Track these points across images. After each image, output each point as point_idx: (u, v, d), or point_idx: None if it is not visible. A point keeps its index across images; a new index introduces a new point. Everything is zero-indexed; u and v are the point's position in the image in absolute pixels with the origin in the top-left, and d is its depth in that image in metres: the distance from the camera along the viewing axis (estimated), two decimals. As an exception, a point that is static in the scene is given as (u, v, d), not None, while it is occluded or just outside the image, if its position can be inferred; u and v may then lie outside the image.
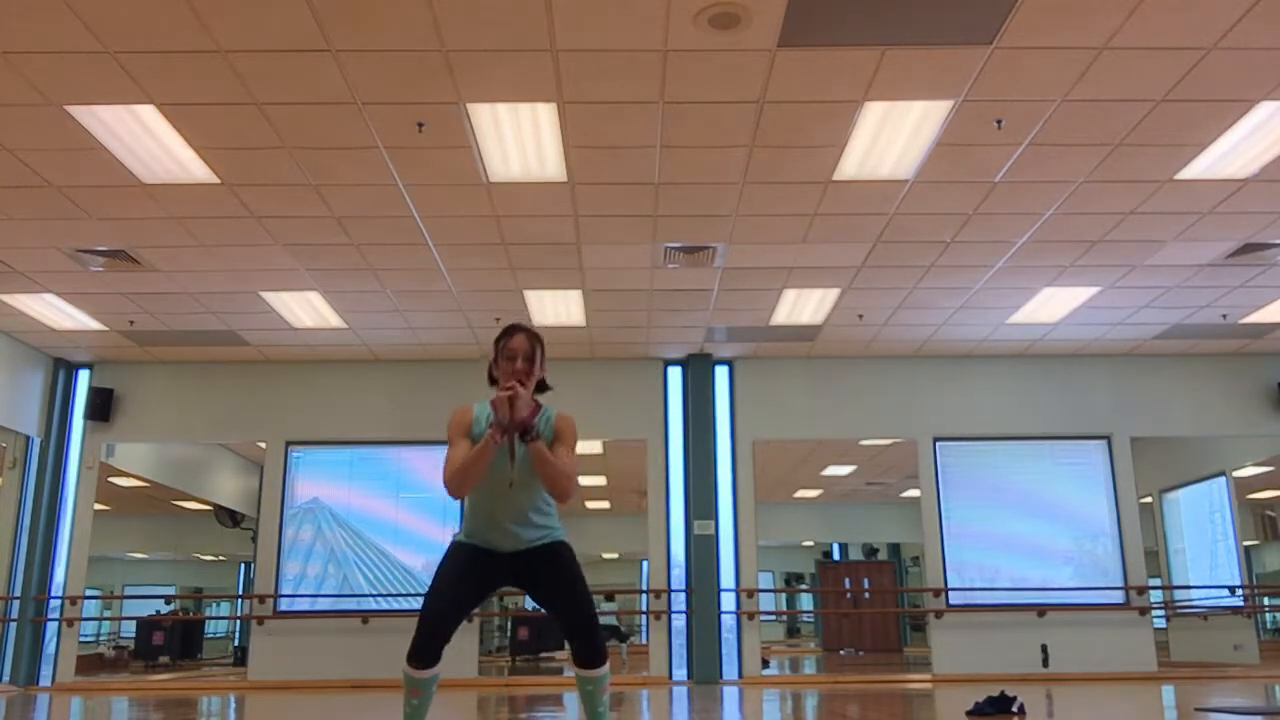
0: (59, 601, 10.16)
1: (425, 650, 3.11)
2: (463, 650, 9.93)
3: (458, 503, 10.40)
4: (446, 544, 10.06)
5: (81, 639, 10.40)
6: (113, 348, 10.20)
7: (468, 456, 3.10)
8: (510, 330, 3.25)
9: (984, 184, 6.68)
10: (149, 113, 5.66)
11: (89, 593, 10.67)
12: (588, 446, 12.94)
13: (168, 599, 18.28)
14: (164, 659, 15.14)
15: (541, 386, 3.31)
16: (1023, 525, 10.46)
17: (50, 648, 10.10)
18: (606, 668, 3.27)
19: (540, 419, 3.22)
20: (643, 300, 8.91)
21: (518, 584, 3.32)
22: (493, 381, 3.27)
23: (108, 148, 6.04)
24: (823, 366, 10.76)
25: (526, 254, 7.83)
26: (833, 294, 8.78)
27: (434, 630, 3.11)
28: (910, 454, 10.89)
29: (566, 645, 3.39)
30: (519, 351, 3.20)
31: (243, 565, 19.24)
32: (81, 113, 5.64)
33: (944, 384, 10.72)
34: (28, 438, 10.37)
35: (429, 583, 3.34)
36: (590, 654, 3.23)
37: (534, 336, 3.25)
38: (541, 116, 5.75)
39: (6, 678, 9.91)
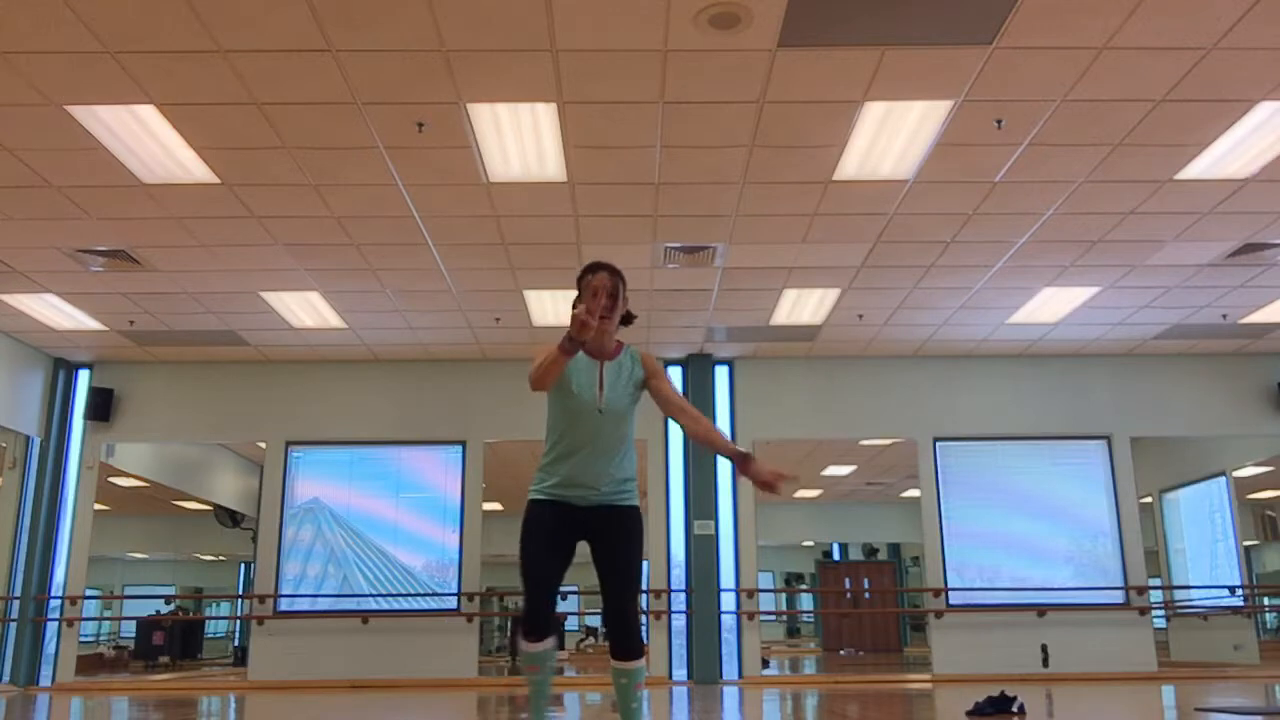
0: (59, 601, 10.16)
1: (537, 617, 3.12)
2: (463, 650, 9.93)
3: (457, 503, 10.41)
4: (446, 544, 10.22)
5: (81, 639, 10.40)
6: (113, 348, 10.20)
7: (546, 356, 3.13)
8: (593, 267, 3.30)
9: (984, 184, 6.68)
10: (149, 113, 5.66)
11: (89, 593, 10.67)
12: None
13: (168, 599, 18.27)
14: (164, 659, 15.14)
15: (627, 318, 3.37)
16: (1022, 525, 10.45)
17: (50, 648, 10.10)
18: (642, 662, 3.21)
19: (624, 355, 3.33)
20: (643, 300, 8.90)
21: (588, 539, 3.28)
22: None
23: (108, 148, 6.04)
24: (823, 366, 10.76)
25: (526, 254, 7.83)
26: (833, 294, 8.78)
27: (542, 596, 3.12)
28: (910, 454, 10.89)
29: (604, 635, 3.33)
30: (602, 288, 3.24)
31: (243, 565, 19.24)
32: (81, 113, 5.64)
33: (944, 384, 10.72)
34: (28, 438, 10.37)
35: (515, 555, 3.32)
36: (624, 641, 3.16)
37: (616, 273, 3.30)
38: (541, 116, 5.75)
39: (6, 678, 9.91)
